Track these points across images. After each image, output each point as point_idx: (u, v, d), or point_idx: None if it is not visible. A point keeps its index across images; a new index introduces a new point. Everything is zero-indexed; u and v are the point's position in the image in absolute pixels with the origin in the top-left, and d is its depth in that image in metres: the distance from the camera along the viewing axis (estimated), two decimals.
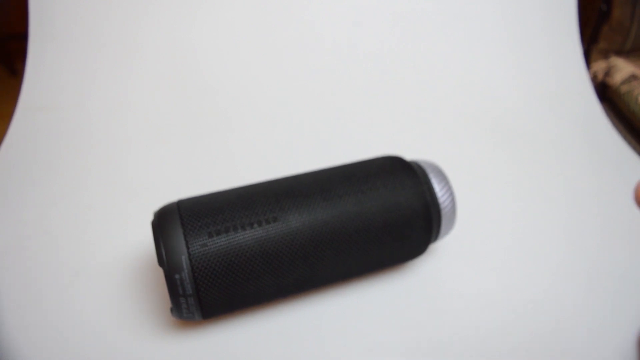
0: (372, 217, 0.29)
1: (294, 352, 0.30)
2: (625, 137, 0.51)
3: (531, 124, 0.52)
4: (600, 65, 0.63)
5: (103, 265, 0.36)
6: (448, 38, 0.57)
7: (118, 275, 0.35)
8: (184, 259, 0.26)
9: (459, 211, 0.37)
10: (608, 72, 0.62)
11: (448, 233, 0.33)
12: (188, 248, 0.27)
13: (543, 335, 0.31)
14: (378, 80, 0.55)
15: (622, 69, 0.60)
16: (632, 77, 0.58)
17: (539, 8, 0.59)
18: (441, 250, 0.37)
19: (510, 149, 0.48)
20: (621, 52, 0.64)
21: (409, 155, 0.35)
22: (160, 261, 0.27)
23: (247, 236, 0.27)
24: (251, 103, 0.53)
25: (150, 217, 0.35)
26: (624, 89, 0.57)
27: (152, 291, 0.34)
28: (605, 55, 0.65)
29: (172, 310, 0.28)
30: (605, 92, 0.61)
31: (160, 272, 0.35)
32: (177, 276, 0.26)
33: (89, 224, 0.39)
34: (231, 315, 0.32)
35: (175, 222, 0.28)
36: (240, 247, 0.27)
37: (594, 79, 0.61)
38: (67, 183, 0.44)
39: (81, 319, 0.32)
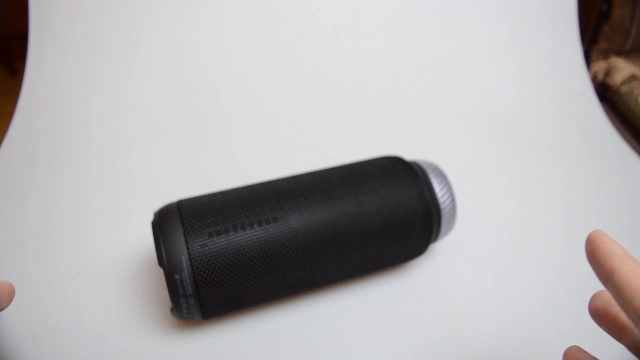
0: (372, 217, 0.29)
1: (294, 352, 0.30)
2: (625, 137, 0.51)
3: (531, 124, 0.52)
4: (600, 66, 0.63)
5: (103, 265, 0.36)
6: (448, 38, 0.57)
7: (118, 275, 0.35)
8: (184, 259, 0.26)
9: (459, 211, 0.37)
10: (608, 73, 0.62)
11: (448, 233, 0.33)
12: (188, 248, 0.27)
13: (543, 334, 0.31)
14: (378, 81, 0.55)
15: (622, 69, 0.60)
16: (632, 77, 0.58)
17: (539, 8, 0.59)
18: (441, 250, 0.37)
19: (510, 149, 0.48)
20: (621, 53, 0.64)
21: (409, 155, 0.35)
22: (160, 261, 0.27)
23: (247, 236, 0.27)
24: (251, 103, 0.53)
25: (150, 217, 0.35)
26: (624, 89, 0.57)
27: (152, 291, 0.34)
28: (606, 55, 0.65)
29: (172, 310, 0.28)
30: (605, 92, 0.62)
31: (160, 272, 0.35)
32: (177, 276, 0.26)
33: (89, 224, 0.39)
34: (231, 315, 0.32)
35: (175, 222, 0.28)
36: (240, 247, 0.27)
37: (594, 79, 0.61)
38: (67, 183, 0.44)
39: (81, 319, 0.32)
